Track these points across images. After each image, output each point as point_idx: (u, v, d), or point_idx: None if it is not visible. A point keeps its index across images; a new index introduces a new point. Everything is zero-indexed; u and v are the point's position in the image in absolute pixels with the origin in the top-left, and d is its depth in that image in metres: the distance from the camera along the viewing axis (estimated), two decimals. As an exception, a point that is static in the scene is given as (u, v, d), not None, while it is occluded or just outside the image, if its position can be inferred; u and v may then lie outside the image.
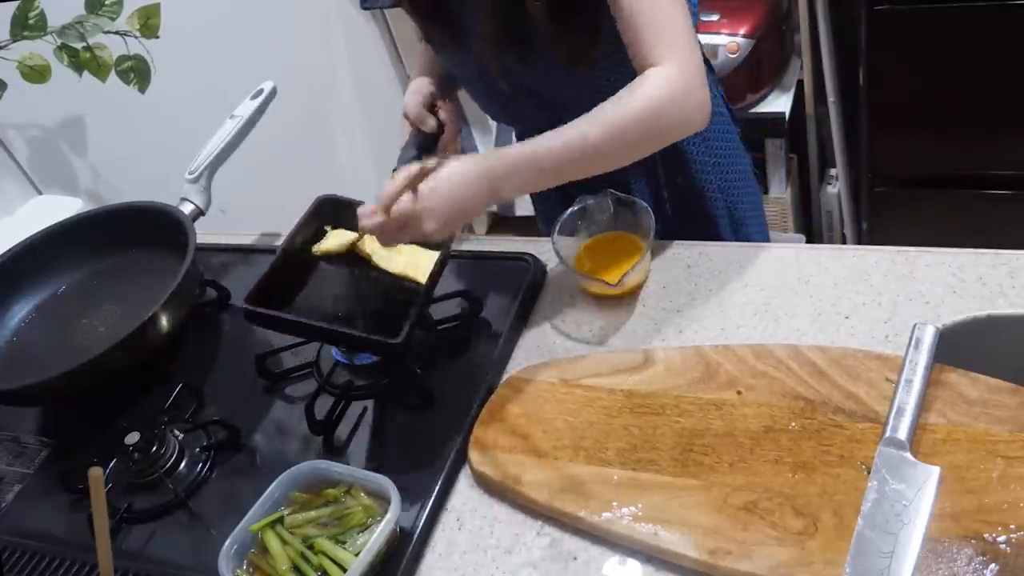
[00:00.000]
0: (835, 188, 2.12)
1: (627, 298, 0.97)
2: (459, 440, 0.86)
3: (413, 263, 0.98)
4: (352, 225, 0.94)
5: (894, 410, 0.73)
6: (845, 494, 0.71)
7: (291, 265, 0.98)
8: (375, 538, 0.75)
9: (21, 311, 1.15)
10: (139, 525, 0.90)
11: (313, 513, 0.81)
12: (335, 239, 1.00)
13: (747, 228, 1.21)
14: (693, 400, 0.82)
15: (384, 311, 0.97)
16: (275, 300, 0.93)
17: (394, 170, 1.02)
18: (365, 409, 0.95)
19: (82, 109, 1.52)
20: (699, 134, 1.11)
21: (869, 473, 0.71)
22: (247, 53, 1.84)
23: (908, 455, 0.71)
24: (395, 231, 0.85)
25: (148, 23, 1.28)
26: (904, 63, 1.62)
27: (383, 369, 0.96)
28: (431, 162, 0.85)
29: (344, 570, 0.76)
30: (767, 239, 1.30)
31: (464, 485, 0.84)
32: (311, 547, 0.79)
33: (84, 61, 1.25)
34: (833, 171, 2.13)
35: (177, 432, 0.96)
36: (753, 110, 2.01)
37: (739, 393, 0.81)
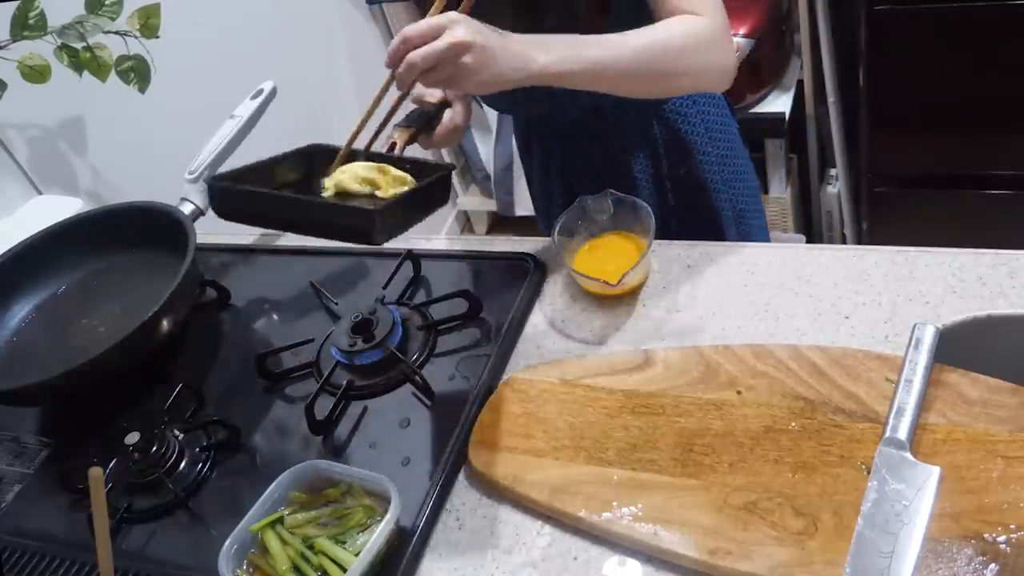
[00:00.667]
0: (835, 188, 2.12)
1: (627, 298, 0.97)
2: (459, 440, 0.86)
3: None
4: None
5: (894, 410, 0.73)
6: (845, 494, 0.71)
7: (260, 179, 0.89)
8: (375, 538, 0.75)
9: (21, 311, 1.15)
10: (139, 525, 0.90)
11: (313, 513, 0.81)
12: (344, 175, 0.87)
13: (749, 222, 1.21)
14: (693, 400, 0.82)
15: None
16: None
17: (403, 126, 0.98)
18: (365, 409, 0.95)
19: (82, 109, 1.52)
20: (702, 124, 1.12)
21: (869, 473, 0.71)
22: (247, 53, 1.84)
23: (908, 455, 0.71)
24: (437, 52, 0.78)
25: (148, 23, 1.28)
26: (904, 63, 1.62)
27: (383, 369, 0.96)
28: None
29: (344, 570, 0.76)
30: (767, 234, 1.30)
31: (464, 485, 0.84)
32: (311, 547, 0.79)
33: (84, 61, 1.25)
34: (833, 171, 2.13)
35: (177, 432, 0.95)
36: (753, 110, 2.01)
37: (739, 393, 0.81)
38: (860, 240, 2.07)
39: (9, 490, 0.98)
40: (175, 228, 1.09)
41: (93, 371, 0.95)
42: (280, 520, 0.80)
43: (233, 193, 0.82)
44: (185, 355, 1.10)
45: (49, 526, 0.93)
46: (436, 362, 0.97)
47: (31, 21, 1.22)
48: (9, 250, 1.15)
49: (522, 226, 2.60)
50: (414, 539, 0.79)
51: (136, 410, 1.02)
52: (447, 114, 1.00)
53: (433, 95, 1.02)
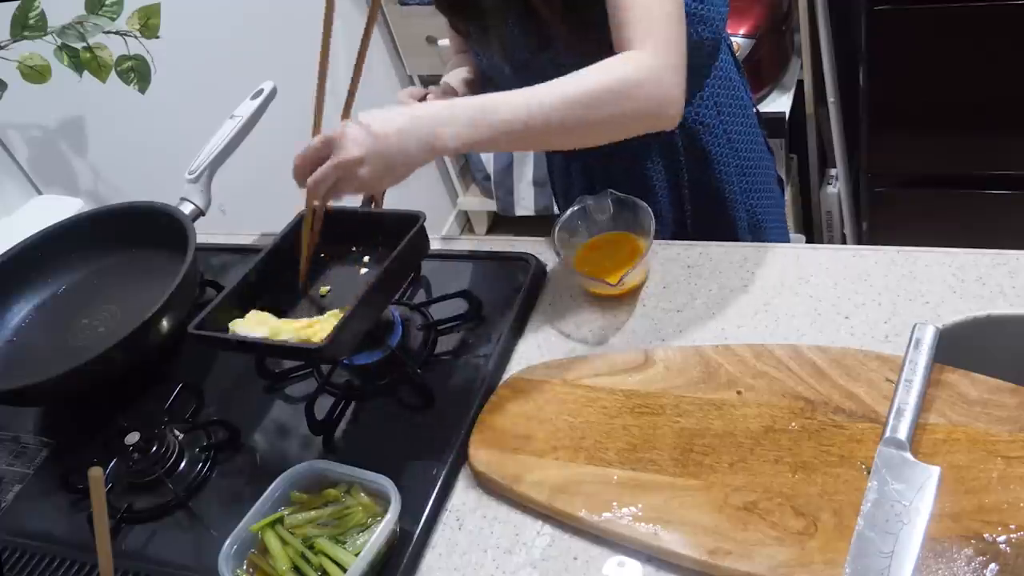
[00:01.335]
0: (835, 188, 2.12)
1: (627, 298, 0.97)
2: (459, 440, 0.86)
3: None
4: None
5: (894, 410, 0.73)
6: (845, 494, 0.71)
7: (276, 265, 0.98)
8: (375, 538, 0.75)
9: (21, 311, 1.15)
10: (139, 525, 0.90)
11: (313, 513, 0.81)
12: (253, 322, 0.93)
13: (766, 233, 1.20)
14: (693, 400, 0.82)
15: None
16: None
17: None
18: (365, 409, 0.95)
19: (82, 109, 1.52)
20: (724, 135, 1.11)
21: (869, 473, 0.71)
22: (247, 53, 1.84)
23: (908, 455, 0.71)
24: (321, 162, 0.79)
25: (148, 23, 1.28)
26: (904, 63, 1.62)
27: (383, 369, 0.96)
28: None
29: (344, 570, 0.76)
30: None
31: (464, 485, 0.84)
32: (311, 547, 0.79)
33: (84, 61, 1.25)
34: (833, 171, 2.13)
35: (177, 432, 0.96)
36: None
37: (739, 393, 0.81)
38: (860, 240, 2.07)
39: (9, 490, 0.98)
40: (175, 228, 1.09)
41: (93, 371, 0.95)
42: (280, 520, 0.80)
43: (209, 339, 0.90)
44: (185, 355, 1.10)
45: (49, 526, 0.93)
46: (436, 362, 0.97)
47: (31, 21, 1.22)
48: (9, 250, 1.15)
49: (522, 226, 2.60)
50: (414, 539, 0.79)
51: (136, 410, 1.02)
52: None
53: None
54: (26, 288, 1.15)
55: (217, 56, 1.78)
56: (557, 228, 0.99)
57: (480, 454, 0.84)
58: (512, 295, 1.00)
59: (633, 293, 0.98)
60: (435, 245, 1.05)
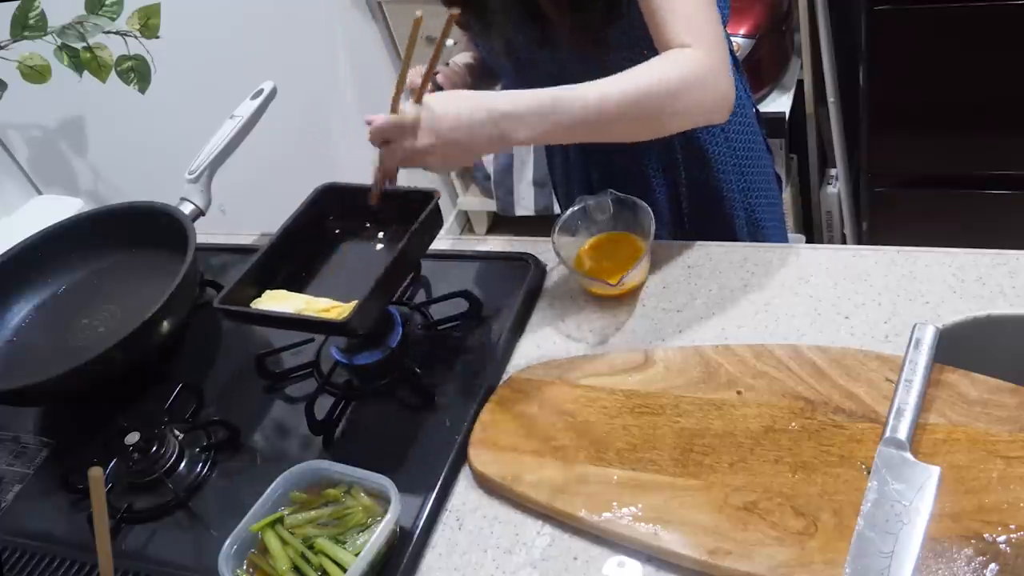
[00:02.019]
0: (835, 188, 2.12)
1: (627, 298, 0.97)
2: (459, 440, 0.86)
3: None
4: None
5: (894, 410, 0.73)
6: (845, 494, 0.71)
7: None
8: (375, 538, 0.75)
9: (21, 311, 1.15)
10: (139, 525, 0.90)
11: (313, 513, 0.81)
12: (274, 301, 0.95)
13: (765, 232, 1.20)
14: (693, 400, 0.82)
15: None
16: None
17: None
18: (365, 409, 0.95)
19: (82, 109, 1.52)
20: (722, 133, 1.11)
21: (869, 473, 0.71)
22: (247, 53, 1.85)
23: (908, 455, 0.71)
24: (392, 139, 0.82)
25: (148, 23, 1.28)
26: (904, 63, 1.62)
27: (383, 369, 0.96)
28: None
29: (344, 570, 0.76)
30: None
31: (464, 485, 0.84)
32: (311, 547, 0.79)
33: (84, 61, 1.25)
34: (833, 171, 2.13)
35: (177, 432, 0.95)
36: (753, 110, 2.01)
37: (739, 393, 0.81)
38: (860, 240, 2.07)
39: (9, 490, 0.98)
40: (175, 228, 1.09)
41: (93, 371, 0.95)
42: (280, 520, 0.80)
43: (234, 313, 0.93)
44: (185, 355, 1.10)
45: (49, 526, 0.93)
46: (436, 362, 0.97)
47: (31, 21, 1.22)
48: (9, 250, 1.15)
49: (522, 226, 2.60)
50: (414, 539, 0.79)
51: (136, 410, 1.02)
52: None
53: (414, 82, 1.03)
54: (26, 288, 1.15)
55: (217, 56, 1.78)
56: (557, 228, 0.99)
57: (480, 454, 0.84)
58: (512, 295, 1.00)
59: (633, 293, 0.98)
60: (436, 245, 1.05)
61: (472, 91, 0.83)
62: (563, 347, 0.95)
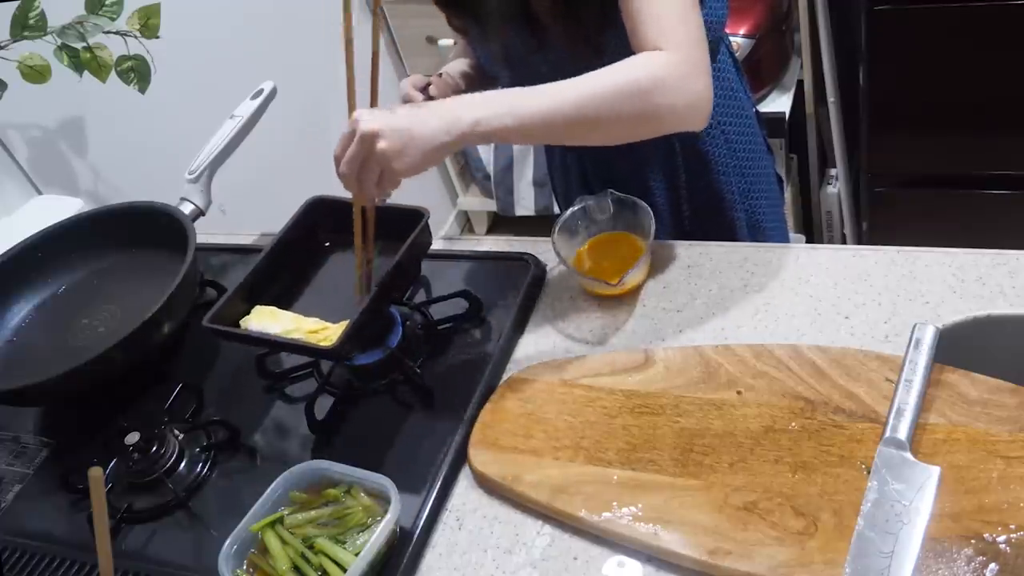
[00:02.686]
0: (835, 188, 2.12)
1: (627, 298, 0.97)
2: (459, 440, 0.86)
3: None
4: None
5: (894, 410, 0.73)
6: (845, 494, 0.71)
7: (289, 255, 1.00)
8: (375, 538, 0.75)
9: (21, 311, 1.15)
10: (139, 525, 0.90)
11: (313, 513, 0.81)
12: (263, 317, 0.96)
13: (766, 234, 1.20)
14: (693, 400, 0.82)
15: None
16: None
17: None
18: (365, 409, 0.95)
19: (82, 109, 1.52)
20: (722, 135, 1.11)
21: (869, 473, 0.71)
22: (247, 53, 1.84)
23: (908, 455, 0.71)
24: (354, 151, 0.80)
25: (148, 23, 1.28)
26: (904, 63, 1.62)
27: (383, 369, 0.96)
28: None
29: (344, 570, 0.76)
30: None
31: (464, 485, 0.84)
32: (311, 547, 0.79)
33: (84, 61, 1.25)
34: (833, 171, 2.13)
35: (177, 432, 0.95)
36: (753, 110, 2.01)
37: (739, 393, 0.81)
38: (860, 240, 2.07)
39: (9, 490, 0.98)
40: (175, 228, 1.09)
41: (93, 371, 0.95)
42: (280, 520, 0.80)
43: (223, 333, 0.94)
44: (185, 355, 1.10)
45: (49, 526, 0.93)
46: (436, 362, 0.97)
47: (31, 21, 1.22)
48: (9, 250, 1.15)
49: (522, 226, 2.60)
50: (414, 539, 0.79)
51: (136, 410, 1.02)
52: None
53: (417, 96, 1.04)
54: (26, 288, 1.15)
55: (217, 56, 1.78)
56: (557, 228, 0.99)
57: (480, 454, 0.84)
58: (512, 295, 1.00)
59: (633, 293, 0.98)
60: (435, 245, 1.05)
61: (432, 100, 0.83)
62: (563, 347, 0.95)
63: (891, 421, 0.72)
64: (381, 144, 0.78)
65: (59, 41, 1.23)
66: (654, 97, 0.82)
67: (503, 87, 1.12)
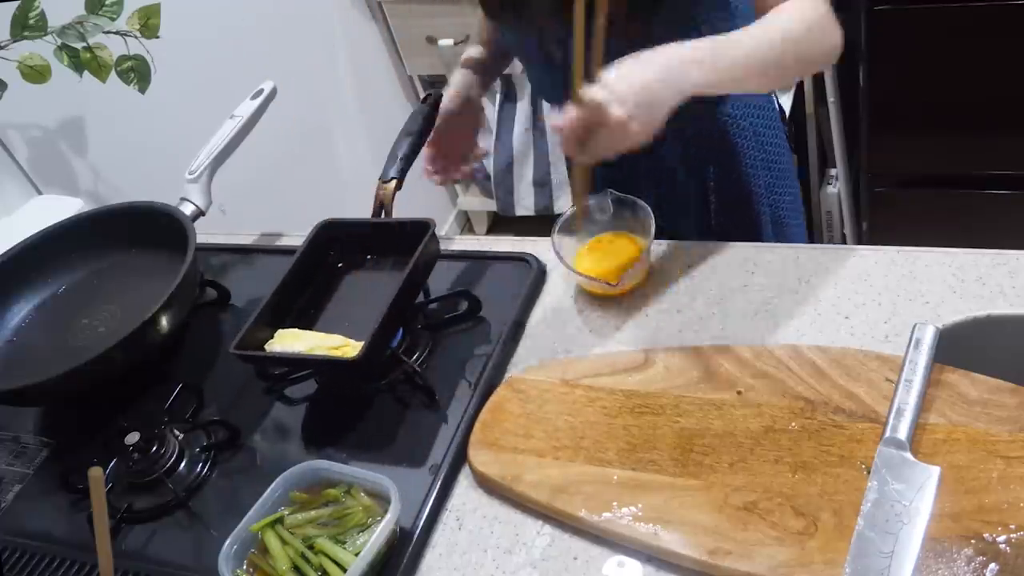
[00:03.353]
0: (835, 188, 2.12)
1: (627, 298, 0.97)
2: (459, 440, 0.86)
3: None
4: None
5: (894, 410, 0.73)
6: (845, 494, 0.71)
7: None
8: (375, 538, 0.75)
9: (21, 311, 1.15)
10: (139, 525, 0.90)
11: (313, 513, 0.81)
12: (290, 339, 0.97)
13: (788, 231, 1.20)
14: (693, 400, 0.82)
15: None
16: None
17: (384, 180, 1.04)
18: (365, 409, 0.95)
19: (82, 109, 1.52)
20: (751, 128, 1.12)
21: (869, 473, 0.71)
22: (247, 53, 1.85)
23: (908, 455, 0.71)
24: (584, 128, 0.80)
25: (148, 23, 1.28)
26: (904, 63, 1.62)
27: (383, 369, 0.96)
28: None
29: (344, 570, 0.76)
30: (806, 241, 1.29)
31: (464, 485, 0.84)
32: (311, 547, 0.79)
33: (84, 61, 1.25)
34: (833, 171, 2.13)
35: (177, 432, 0.95)
36: (753, 110, 2.01)
37: (739, 393, 0.81)
38: (860, 240, 2.07)
39: (9, 490, 0.98)
40: (175, 228, 1.09)
41: (93, 371, 0.95)
42: (280, 520, 0.80)
43: (250, 358, 0.96)
44: (185, 355, 1.10)
45: (49, 526, 0.93)
46: (436, 362, 0.97)
47: (31, 21, 1.22)
48: (9, 250, 1.15)
49: (522, 226, 2.60)
50: (414, 539, 0.79)
51: (136, 410, 1.02)
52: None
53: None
54: (26, 288, 1.15)
55: (217, 56, 1.78)
56: (557, 228, 0.99)
57: (480, 454, 0.84)
58: (512, 295, 1.00)
59: (633, 293, 0.98)
60: (435, 245, 1.06)
61: (634, 57, 0.82)
62: (563, 347, 0.95)
63: (891, 421, 0.72)
64: (634, 126, 0.79)
65: (59, 41, 1.23)
66: (816, 41, 0.90)
67: (535, 74, 1.11)
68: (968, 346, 0.83)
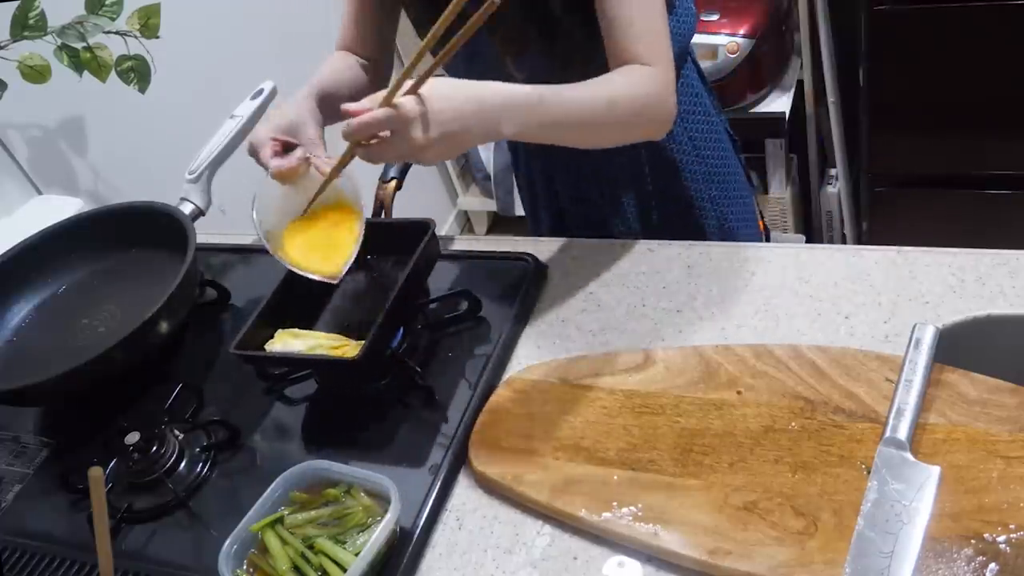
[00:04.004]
0: (835, 188, 2.12)
1: (627, 298, 0.97)
2: (459, 440, 0.86)
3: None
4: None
5: (894, 410, 0.73)
6: (845, 494, 0.71)
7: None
8: (375, 538, 0.75)
9: (21, 311, 1.15)
10: (139, 525, 0.90)
11: (313, 513, 0.81)
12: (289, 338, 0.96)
13: (739, 238, 1.20)
14: (693, 400, 0.82)
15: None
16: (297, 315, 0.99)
17: (384, 180, 1.01)
18: (365, 409, 0.95)
19: (82, 109, 1.52)
20: (690, 142, 1.12)
21: (869, 473, 0.71)
22: (247, 53, 1.85)
23: (908, 455, 0.71)
24: (394, 151, 0.78)
25: (148, 23, 1.28)
26: (904, 63, 1.62)
27: (383, 369, 0.96)
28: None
29: (344, 570, 0.76)
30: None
31: (464, 485, 0.84)
32: (311, 547, 0.79)
33: (84, 61, 1.25)
34: (833, 171, 2.13)
35: (177, 432, 0.95)
36: (753, 110, 2.01)
37: (739, 393, 0.81)
38: (860, 240, 2.07)
39: (9, 490, 0.98)
40: (175, 228, 1.09)
41: (93, 371, 0.95)
42: (280, 520, 0.80)
43: (251, 358, 0.96)
44: (185, 355, 1.10)
45: (49, 526, 0.93)
46: (436, 362, 0.97)
47: (31, 21, 1.22)
48: (9, 250, 1.15)
49: (522, 226, 2.59)
50: (414, 539, 0.79)
51: (136, 410, 1.02)
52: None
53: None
54: (26, 288, 1.15)
55: (217, 56, 1.78)
56: (255, 210, 0.88)
57: (480, 454, 0.84)
58: (512, 295, 1.00)
59: (633, 293, 0.98)
60: (435, 245, 1.06)
61: (462, 81, 0.80)
62: (563, 347, 0.95)
63: (891, 421, 0.72)
64: (428, 154, 0.78)
65: (59, 41, 1.24)
66: (649, 112, 0.89)
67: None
68: (968, 346, 0.83)
